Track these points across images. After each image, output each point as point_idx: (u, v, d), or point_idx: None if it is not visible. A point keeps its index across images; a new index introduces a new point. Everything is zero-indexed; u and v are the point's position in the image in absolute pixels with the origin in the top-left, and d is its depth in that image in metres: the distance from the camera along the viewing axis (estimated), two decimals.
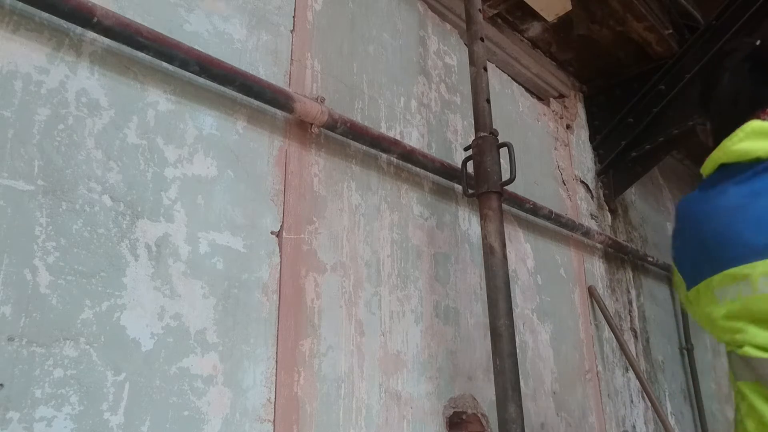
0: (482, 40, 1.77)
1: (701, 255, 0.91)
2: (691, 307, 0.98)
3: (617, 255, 2.79)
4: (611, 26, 2.60)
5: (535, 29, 2.56)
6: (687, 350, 3.10)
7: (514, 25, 2.52)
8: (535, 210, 2.16)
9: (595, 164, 2.89)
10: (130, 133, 1.16)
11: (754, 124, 0.90)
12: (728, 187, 0.90)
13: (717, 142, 0.97)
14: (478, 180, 1.61)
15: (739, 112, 0.97)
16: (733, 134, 0.91)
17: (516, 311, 1.96)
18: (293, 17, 1.59)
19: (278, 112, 1.44)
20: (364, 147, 1.63)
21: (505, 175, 1.61)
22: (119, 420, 1.01)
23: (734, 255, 0.85)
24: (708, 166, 0.97)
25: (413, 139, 1.85)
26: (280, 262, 1.34)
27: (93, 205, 1.07)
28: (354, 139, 1.59)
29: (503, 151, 1.64)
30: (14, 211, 0.98)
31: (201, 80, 1.29)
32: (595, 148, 2.91)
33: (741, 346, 0.85)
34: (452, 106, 2.08)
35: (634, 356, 2.54)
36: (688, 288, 0.96)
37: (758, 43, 1.07)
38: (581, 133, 2.88)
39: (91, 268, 1.04)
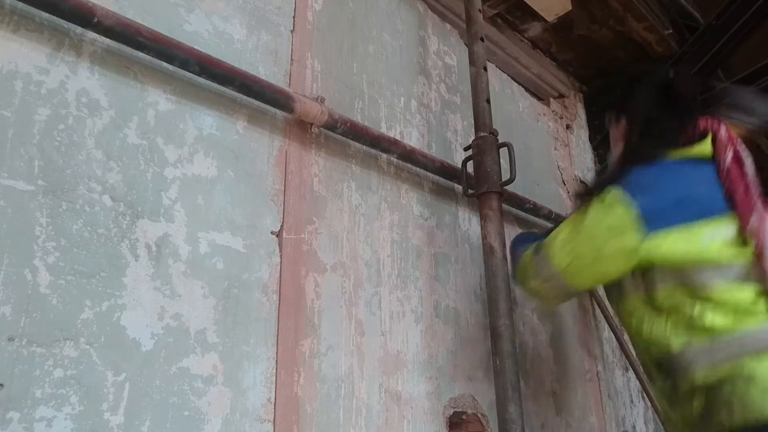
0: (482, 40, 1.77)
1: (684, 206, 1.23)
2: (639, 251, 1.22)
3: None
4: (611, 26, 2.60)
5: (535, 29, 2.56)
6: None
7: (514, 25, 2.52)
8: (535, 210, 2.16)
9: (595, 164, 2.89)
10: (130, 133, 1.16)
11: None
12: (699, 168, 1.30)
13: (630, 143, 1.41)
14: (478, 180, 1.61)
15: (652, 135, 1.37)
16: (703, 142, 1.32)
17: (516, 311, 1.96)
18: (293, 17, 1.59)
19: (278, 112, 1.44)
20: (364, 147, 1.63)
21: (505, 175, 1.61)
22: (119, 420, 1.01)
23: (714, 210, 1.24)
24: (677, 155, 1.32)
25: (413, 139, 1.85)
26: (280, 262, 1.34)
27: (93, 205, 1.07)
28: (354, 139, 1.59)
29: (503, 151, 1.64)
30: (14, 211, 0.98)
31: (201, 80, 1.29)
32: (595, 148, 2.91)
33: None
34: (452, 106, 2.08)
35: (634, 356, 2.54)
36: (650, 231, 1.21)
37: (671, 75, 1.45)
38: (581, 133, 2.88)
39: (91, 268, 1.04)
